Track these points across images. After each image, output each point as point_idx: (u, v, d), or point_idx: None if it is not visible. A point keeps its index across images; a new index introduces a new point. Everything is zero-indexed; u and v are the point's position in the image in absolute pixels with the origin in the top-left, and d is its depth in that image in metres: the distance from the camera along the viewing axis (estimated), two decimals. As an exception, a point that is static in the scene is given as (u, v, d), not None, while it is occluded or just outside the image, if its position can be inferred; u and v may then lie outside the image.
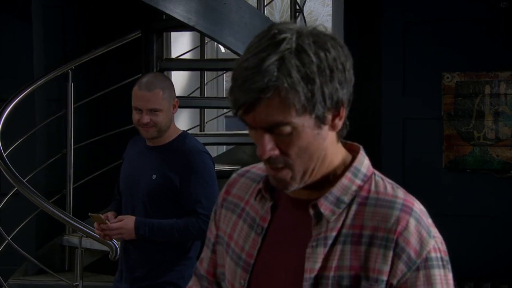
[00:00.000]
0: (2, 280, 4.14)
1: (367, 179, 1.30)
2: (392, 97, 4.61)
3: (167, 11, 3.39)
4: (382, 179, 1.31)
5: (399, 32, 4.60)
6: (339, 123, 1.26)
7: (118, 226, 2.87)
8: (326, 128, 1.25)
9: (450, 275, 1.26)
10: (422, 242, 1.23)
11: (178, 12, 3.39)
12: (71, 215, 4.10)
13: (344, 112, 1.26)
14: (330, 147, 1.28)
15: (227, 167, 4.10)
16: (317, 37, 1.23)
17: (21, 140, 4.38)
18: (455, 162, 4.49)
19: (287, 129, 1.20)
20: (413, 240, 1.22)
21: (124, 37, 4.52)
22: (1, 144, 4.06)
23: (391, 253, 1.22)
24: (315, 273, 1.26)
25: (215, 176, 2.97)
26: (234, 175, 1.48)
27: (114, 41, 4.57)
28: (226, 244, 1.43)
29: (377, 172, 1.33)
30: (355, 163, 1.30)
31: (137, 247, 2.91)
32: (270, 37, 1.21)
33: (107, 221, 2.89)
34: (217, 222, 1.48)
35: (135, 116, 2.92)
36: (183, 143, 2.96)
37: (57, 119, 4.69)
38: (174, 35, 5.10)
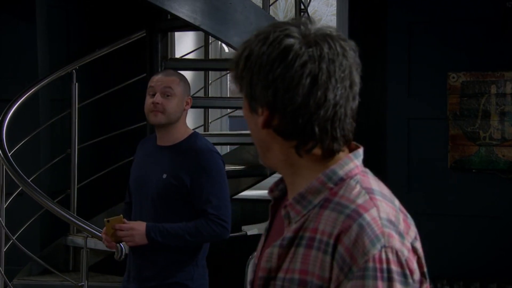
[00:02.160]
0: (7, 280, 4.13)
1: (341, 182, 1.25)
2: (397, 97, 4.60)
3: (173, 11, 3.39)
4: (357, 183, 1.24)
5: (404, 32, 4.59)
6: (259, 119, 1.25)
7: (130, 226, 2.87)
8: (257, 118, 1.26)
9: None
10: (362, 251, 1.16)
11: (183, 12, 3.38)
12: (75, 215, 4.09)
13: (264, 113, 1.24)
14: (276, 146, 1.27)
15: (231, 167, 4.08)
16: (262, 30, 1.27)
17: (26, 140, 4.38)
18: (460, 162, 4.47)
19: (243, 96, 1.28)
20: (352, 247, 1.16)
21: (128, 37, 4.52)
22: (6, 144, 4.06)
23: (329, 259, 1.18)
24: (266, 273, 1.26)
25: (225, 176, 2.97)
26: None
27: (118, 41, 4.57)
28: None
29: (360, 176, 1.27)
30: (334, 166, 1.26)
31: (146, 247, 2.91)
32: None
33: (124, 219, 2.91)
34: None
35: (148, 100, 2.97)
36: (194, 143, 2.97)
37: (62, 119, 4.69)
38: (177, 35, 5.09)
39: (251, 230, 4.23)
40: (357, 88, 1.26)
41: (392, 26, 4.64)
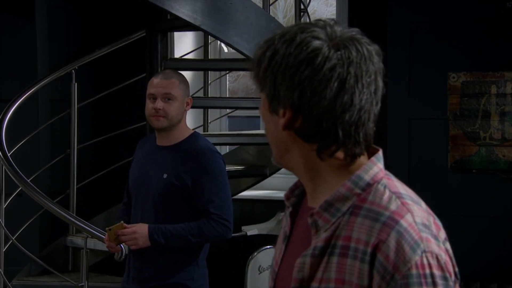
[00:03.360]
0: (6, 280, 4.13)
1: (368, 187, 1.24)
2: (398, 98, 4.58)
3: (173, 11, 3.38)
4: (385, 188, 1.24)
5: (405, 32, 4.58)
6: (281, 121, 1.23)
7: (133, 230, 2.87)
8: (277, 119, 1.24)
9: None
10: (403, 258, 1.15)
11: (184, 12, 3.37)
12: (75, 215, 4.08)
13: (287, 115, 1.22)
14: (296, 149, 1.25)
15: (230, 167, 4.08)
16: (287, 30, 1.25)
17: (25, 140, 4.37)
18: (460, 163, 4.47)
19: (262, 95, 1.26)
20: (393, 255, 1.15)
21: (128, 37, 4.51)
22: (6, 144, 4.05)
23: (367, 267, 1.16)
24: (298, 283, 1.23)
25: (227, 176, 2.97)
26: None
27: (118, 41, 4.56)
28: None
29: (386, 180, 1.26)
30: (359, 171, 1.25)
31: (146, 247, 2.90)
32: None
33: (124, 224, 2.91)
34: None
35: (149, 105, 2.96)
36: (195, 143, 2.96)
37: (61, 119, 4.68)
38: (176, 35, 5.09)
39: (251, 230, 4.23)
40: (380, 93, 1.26)
41: (392, 26, 4.63)
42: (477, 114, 4.41)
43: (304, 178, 1.29)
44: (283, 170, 4.76)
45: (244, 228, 4.26)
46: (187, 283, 2.93)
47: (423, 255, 1.16)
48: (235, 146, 4.81)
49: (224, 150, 5.08)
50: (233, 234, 3.01)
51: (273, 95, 1.23)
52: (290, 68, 1.20)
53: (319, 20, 1.26)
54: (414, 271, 1.15)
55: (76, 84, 4.52)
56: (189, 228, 2.87)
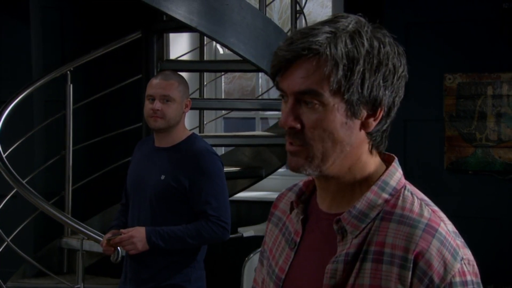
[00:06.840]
0: (1, 282, 4.11)
1: (396, 192, 1.24)
2: (393, 99, 4.58)
3: (169, 12, 3.37)
4: (412, 195, 1.25)
5: (401, 33, 4.57)
6: (372, 123, 1.23)
7: (129, 235, 2.86)
8: (357, 123, 1.22)
9: None
10: (446, 266, 1.16)
11: (180, 13, 3.37)
12: (70, 217, 4.07)
13: (380, 115, 1.22)
14: (358, 149, 1.24)
15: (226, 169, 4.08)
16: (377, 29, 1.24)
17: (20, 141, 4.35)
18: (456, 164, 4.47)
19: (317, 101, 1.19)
20: (436, 263, 1.16)
21: (123, 38, 4.49)
22: (0, 145, 4.03)
23: (409, 274, 1.16)
24: None
25: (224, 177, 2.97)
26: (284, 190, 1.46)
27: (113, 42, 4.54)
28: (267, 258, 1.42)
29: (409, 186, 1.27)
30: (384, 176, 1.25)
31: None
32: (330, 19, 1.23)
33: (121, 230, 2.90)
34: (265, 236, 1.46)
35: (147, 105, 2.96)
36: (193, 144, 2.96)
37: (56, 121, 4.66)
38: (172, 36, 5.08)
39: (247, 232, 4.22)
40: None
41: (387, 27, 4.62)
42: (473, 116, 4.41)
43: (340, 183, 1.26)
44: (279, 171, 4.76)
45: (240, 229, 4.25)
46: (185, 284, 2.92)
47: (462, 262, 1.18)
48: (231, 148, 4.80)
49: (219, 151, 5.07)
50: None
51: (359, 96, 1.20)
52: (395, 67, 1.22)
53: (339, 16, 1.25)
54: (458, 279, 1.16)
55: (71, 85, 4.51)
56: (187, 230, 2.86)
